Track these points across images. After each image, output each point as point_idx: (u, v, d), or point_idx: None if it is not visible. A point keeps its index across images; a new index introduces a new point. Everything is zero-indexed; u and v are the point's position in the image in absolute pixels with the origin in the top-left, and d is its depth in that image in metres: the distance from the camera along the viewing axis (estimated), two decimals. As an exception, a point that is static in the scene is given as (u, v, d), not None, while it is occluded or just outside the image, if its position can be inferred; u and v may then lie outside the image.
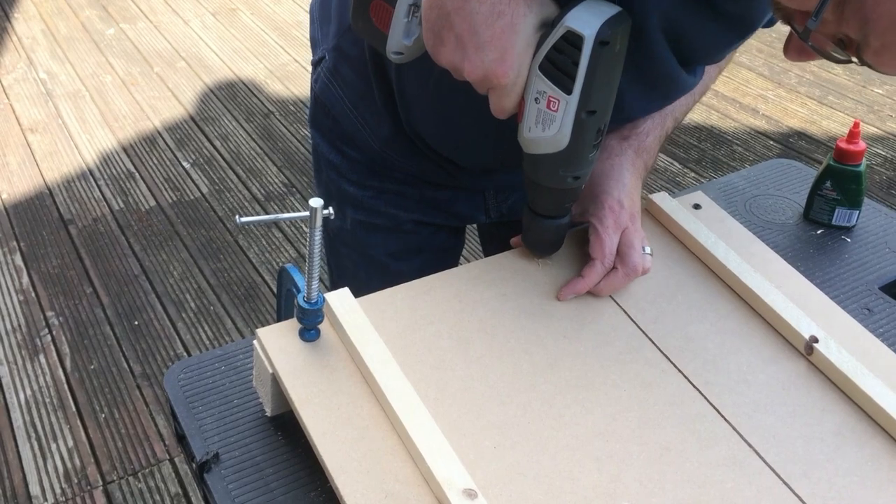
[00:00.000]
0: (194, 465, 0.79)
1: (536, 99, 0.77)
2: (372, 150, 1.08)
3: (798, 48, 0.72)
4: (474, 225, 1.27)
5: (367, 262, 1.17)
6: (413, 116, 1.00)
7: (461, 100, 0.86)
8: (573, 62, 0.74)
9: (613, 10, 0.73)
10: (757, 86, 3.57)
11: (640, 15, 0.77)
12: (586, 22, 0.72)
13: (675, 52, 0.84)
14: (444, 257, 1.20)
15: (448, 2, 0.72)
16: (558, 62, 0.74)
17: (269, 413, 0.82)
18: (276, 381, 0.80)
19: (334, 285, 1.30)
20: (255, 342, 0.83)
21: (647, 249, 0.92)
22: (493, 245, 1.33)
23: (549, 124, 0.78)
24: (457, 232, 1.21)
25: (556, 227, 0.90)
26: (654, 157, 1.00)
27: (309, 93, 1.19)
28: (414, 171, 1.09)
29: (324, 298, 0.81)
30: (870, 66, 0.68)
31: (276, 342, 0.81)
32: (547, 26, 0.75)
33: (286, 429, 0.81)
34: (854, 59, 0.68)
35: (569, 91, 0.75)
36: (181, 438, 0.84)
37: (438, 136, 1.01)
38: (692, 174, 2.99)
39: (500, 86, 0.76)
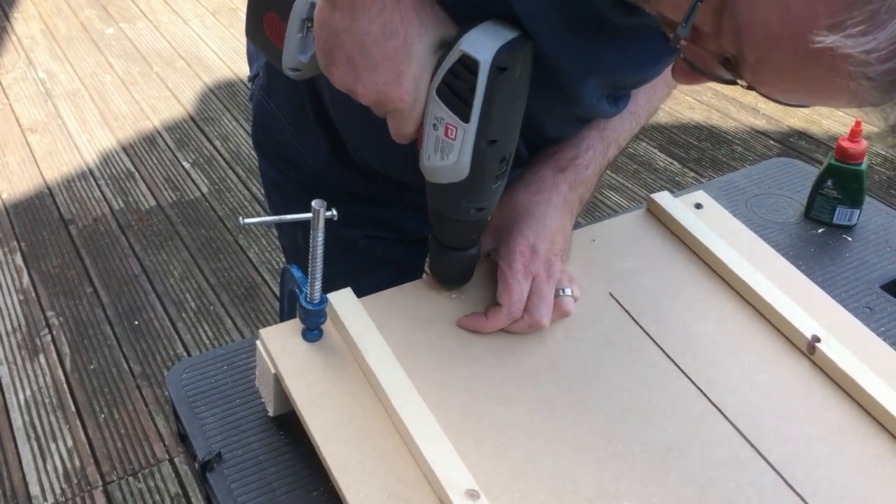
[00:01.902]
0: (196, 465, 0.79)
1: (434, 125, 0.72)
2: (312, 170, 1.03)
3: (684, 68, 0.63)
4: None
5: (327, 284, 1.13)
6: (348, 133, 0.95)
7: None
8: (469, 88, 0.69)
9: (513, 33, 0.68)
10: (757, 85, 3.57)
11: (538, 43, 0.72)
12: (482, 45, 0.67)
13: (586, 82, 0.78)
14: (408, 269, 1.15)
15: (337, 20, 0.68)
16: (455, 87, 0.70)
17: (271, 413, 0.82)
18: (278, 381, 0.80)
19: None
20: (257, 342, 0.83)
21: (568, 291, 0.86)
22: None
23: (447, 153, 0.73)
24: (416, 243, 1.16)
25: (464, 259, 0.85)
26: (593, 188, 0.93)
27: None
28: (358, 190, 1.04)
29: (326, 299, 0.81)
30: (753, 89, 0.59)
31: (279, 342, 0.81)
32: (444, 47, 0.70)
33: (288, 429, 0.81)
34: (740, 81, 0.59)
35: (466, 119, 0.70)
36: (183, 438, 0.84)
37: (372, 153, 0.96)
38: (692, 174, 2.99)
39: (396, 110, 0.71)
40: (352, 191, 1.04)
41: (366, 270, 1.10)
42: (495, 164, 0.75)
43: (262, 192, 1.18)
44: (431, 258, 0.87)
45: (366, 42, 0.68)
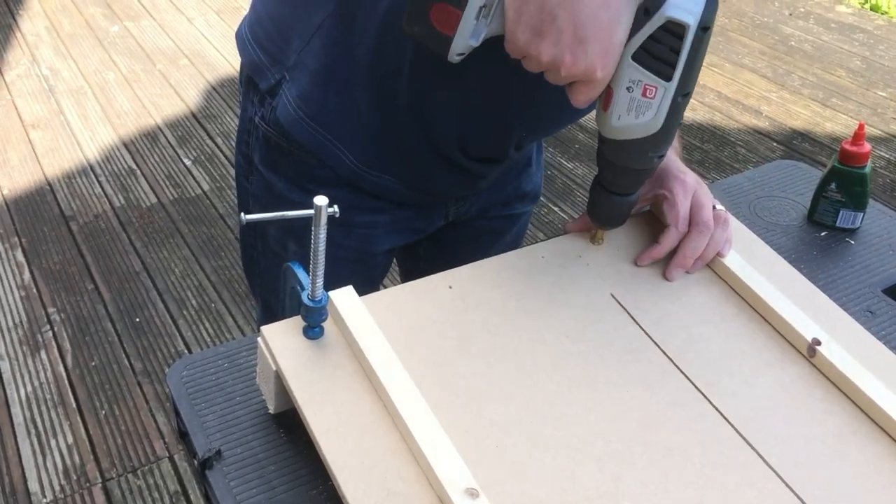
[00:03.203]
0: (196, 462, 0.79)
1: (629, 88, 0.76)
2: (339, 179, 1.01)
3: None
4: None
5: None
6: (430, 105, 0.95)
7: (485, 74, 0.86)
8: (673, 50, 0.73)
9: None
10: (760, 87, 3.57)
11: None
12: (687, 10, 0.71)
13: None
14: (379, 274, 1.17)
15: None
16: (655, 51, 0.73)
17: (271, 410, 0.82)
18: (279, 379, 0.79)
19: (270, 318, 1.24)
20: (258, 339, 0.83)
21: (719, 206, 0.95)
22: (420, 246, 1.30)
23: (643, 111, 0.77)
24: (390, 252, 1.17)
25: (627, 203, 0.90)
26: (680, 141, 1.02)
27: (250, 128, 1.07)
28: (387, 190, 1.04)
29: (328, 296, 0.81)
30: None
31: (280, 339, 0.81)
32: (641, 14, 0.73)
33: (288, 426, 0.81)
34: None
35: (668, 78, 0.74)
36: (183, 435, 0.84)
37: (457, 121, 0.97)
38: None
39: (597, 79, 0.74)
40: (379, 193, 1.04)
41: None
42: (682, 113, 0.80)
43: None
44: (593, 204, 0.92)
45: (582, 15, 0.70)
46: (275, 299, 1.17)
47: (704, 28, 0.72)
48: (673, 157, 0.96)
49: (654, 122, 0.78)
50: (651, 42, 0.73)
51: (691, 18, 0.71)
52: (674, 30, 0.72)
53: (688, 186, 0.94)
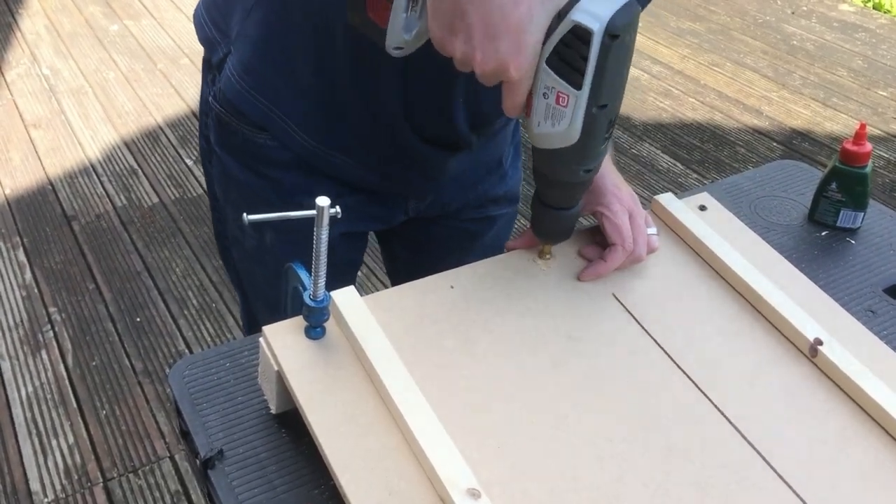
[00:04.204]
0: (198, 462, 0.79)
1: (545, 94, 0.75)
2: (291, 159, 1.01)
3: None
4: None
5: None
6: (381, 87, 0.94)
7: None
8: (582, 57, 0.71)
9: (621, 0, 0.70)
10: (760, 87, 3.57)
11: None
12: (594, 15, 0.69)
13: None
14: (352, 268, 1.17)
15: None
16: (566, 56, 0.72)
17: (273, 410, 0.82)
18: (280, 379, 0.80)
19: (248, 312, 1.25)
20: (260, 339, 0.83)
21: (653, 230, 0.94)
22: (393, 243, 1.30)
23: (559, 119, 0.76)
24: (363, 237, 1.17)
25: (568, 217, 0.89)
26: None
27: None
28: (340, 170, 1.03)
29: (330, 296, 0.81)
30: None
31: (282, 340, 0.81)
32: (555, 18, 0.72)
33: (290, 426, 0.81)
34: None
35: (578, 87, 0.73)
36: (185, 435, 0.84)
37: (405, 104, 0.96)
38: (695, 175, 2.98)
39: (512, 79, 0.73)
40: (333, 174, 1.03)
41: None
42: (604, 127, 0.77)
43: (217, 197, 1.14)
44: (535, 218, 0.90)
45: (491, 11, 0.69)
46: (246, 281, 1.18)
47: (613, 35, 0.70)
48: (609, 172, 0.95)
49: (570, 132, 0.76)
50: (562, 47, 0.71)
51: (597, 24, 0.69)
52: (581, 35, 0.70)
53: (624, 203, 0.93)
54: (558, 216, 0.88)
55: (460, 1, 0.70)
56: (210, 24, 1.03)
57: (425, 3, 0.73)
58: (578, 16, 0.70)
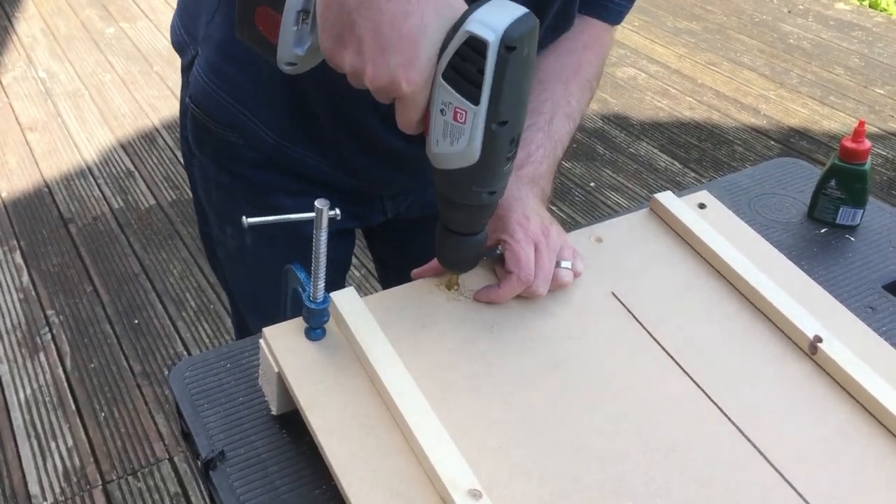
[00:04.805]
0: (199, 464, 0.79)
1: (442, 110, 0.71)
2: (263, 159, 1.01)
3: None
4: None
5: (271, 282, 1.04)
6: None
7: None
8: (478, 70, 0.67)
9: (519, 10, 0.67)
10: (758, 86, 3.58)
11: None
12: (489, 26, 0.66)
13: None
14: (341, 268, 1.16)
15: (349, 0, 0.66)
16: (462, 70, 0.68)
17: (274, 412, 0.82)
18: (281, 380, 0.79)
19: (236, 312, 1.25)
20: (261, 341, 0.82)
21: (567, 264, 0.88)
22: (378, 246, 1.30)
23: (457, 137, 0.72)
24: (347, 236, 1.16)
25: (473, 244, 0.84)
26: (551, 185, 0.95)
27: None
28: (312, 168, 1.02)
29: (330, 298, 0.81)
30: None
31: (282, 341, 0.81)
32: (451, 30, 0.68)
33: (291, 427, 0.81)
34: None
35: (476, 101, 0.69)
36: (186, 436, 0.84)
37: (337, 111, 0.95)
38: (693, 174, 2.99)
39: (404, 95, 0.70)
40: (304, 173, 1.03)
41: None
42: (506, 146, 0.73)
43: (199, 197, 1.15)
44: (438, 244, 0.86)
45: (381, 22, 0.66)
46: (231, 281, 1.19)
47: (509, 48, 0.66)
48: (523, 200, 0.89)
49: (469, 151, 0.72)
50: (458, 60, 0.68)
51: (492, 35, 0.66)
52: (476, 47, 0.67)
53: (530, 233, 0.87)
54: (461, 242, 0.83)
55: (350, 11, 0.66)
56: (181, 28, 1.04)
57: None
58: (473, 26, 0.67)
